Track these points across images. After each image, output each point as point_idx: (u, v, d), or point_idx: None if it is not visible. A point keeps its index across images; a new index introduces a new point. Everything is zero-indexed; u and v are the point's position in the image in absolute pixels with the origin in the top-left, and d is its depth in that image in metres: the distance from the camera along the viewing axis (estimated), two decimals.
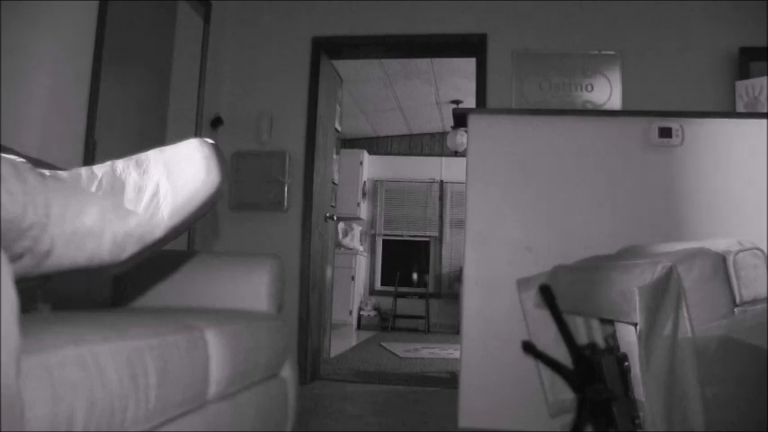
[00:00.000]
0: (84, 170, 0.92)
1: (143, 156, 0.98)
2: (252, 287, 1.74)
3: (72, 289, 1.60)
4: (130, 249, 0.92)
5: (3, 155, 0.77)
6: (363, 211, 8.22)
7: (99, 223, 0.87)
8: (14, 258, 0.77)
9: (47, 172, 0.85)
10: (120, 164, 0.95)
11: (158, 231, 0.94)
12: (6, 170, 0.74)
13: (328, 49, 3.84)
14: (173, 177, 0.95)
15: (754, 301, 1.27)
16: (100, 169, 0.94)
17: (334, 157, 4.38)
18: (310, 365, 3.56)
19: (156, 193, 0.94)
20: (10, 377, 0.58)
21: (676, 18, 3.50)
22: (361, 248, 8.00)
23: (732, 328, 1.25)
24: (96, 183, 0.91)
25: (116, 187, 0.92)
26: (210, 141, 1.03)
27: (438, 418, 2.67)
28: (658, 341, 1.24)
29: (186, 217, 0.97)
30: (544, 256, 2.20)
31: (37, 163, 0.95)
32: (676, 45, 3.46)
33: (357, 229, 8.00)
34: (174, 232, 0.97)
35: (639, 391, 1.39)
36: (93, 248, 0.87)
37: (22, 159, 0.82)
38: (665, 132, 2.28)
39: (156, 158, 0.97)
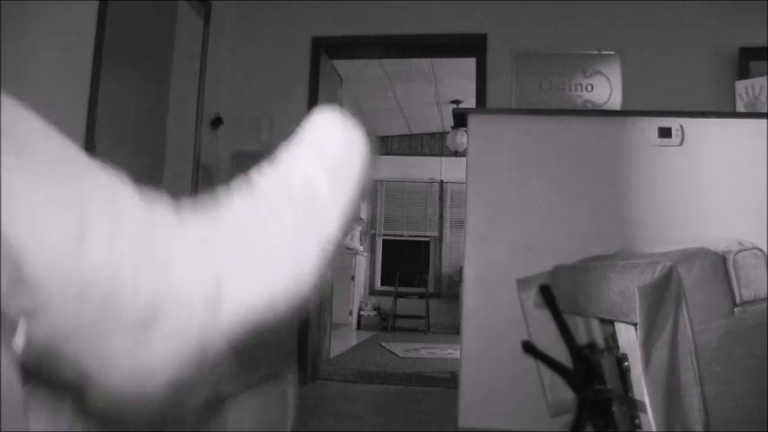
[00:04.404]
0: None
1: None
2: None
3: None
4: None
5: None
6: (363, 211, 8.22)
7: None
8: None
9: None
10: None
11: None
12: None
13: (328, 49, 3.84)
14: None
15: (754, 301, 1.27)
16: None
17: None
18: (310, 365, 3.56)
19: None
20: (10, 377, 0.58)
21: (676, 18, 3.49)
22: (361, 248, 8.00)
23: (732, 328, 1.25)
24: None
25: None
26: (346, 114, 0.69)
27: (438, 418, 2.66)
28: (658, 341, 1.24)
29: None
30: (544, 256, 2.20)
31: None
32: (676, 45, 3.46)
33: (357, 229, 8.00)
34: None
35: (639, 391, 1.39)
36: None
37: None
38: (665, 132, 2.28)
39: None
